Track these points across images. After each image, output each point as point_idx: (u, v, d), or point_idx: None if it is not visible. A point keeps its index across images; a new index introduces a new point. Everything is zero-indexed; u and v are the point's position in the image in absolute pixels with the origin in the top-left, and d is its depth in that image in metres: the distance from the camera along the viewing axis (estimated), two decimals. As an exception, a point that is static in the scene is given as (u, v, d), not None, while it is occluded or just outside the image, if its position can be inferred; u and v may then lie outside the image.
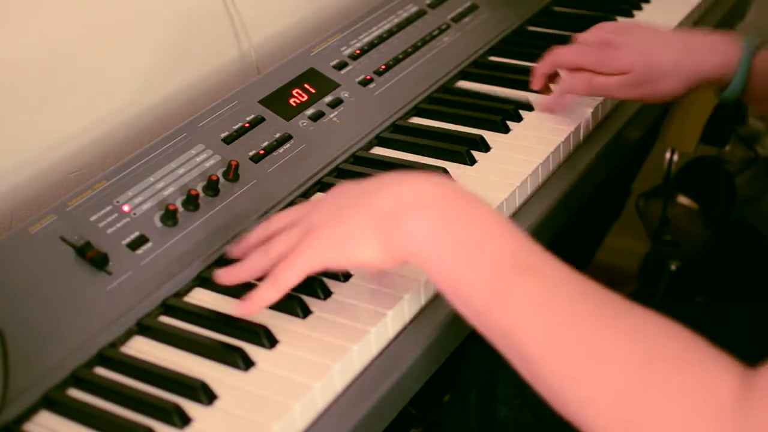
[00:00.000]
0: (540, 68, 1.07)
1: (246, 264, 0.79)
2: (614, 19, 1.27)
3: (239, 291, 0.82)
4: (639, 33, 1.01)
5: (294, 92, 1.05)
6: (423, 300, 0.82)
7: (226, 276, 0.80)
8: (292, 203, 0.93)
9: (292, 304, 0.79)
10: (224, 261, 0.86)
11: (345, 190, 0.77)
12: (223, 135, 0.97)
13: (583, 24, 1.26)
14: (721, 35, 1.01)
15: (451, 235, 0.68)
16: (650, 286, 1.75)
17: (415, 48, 1.17)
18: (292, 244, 0.75)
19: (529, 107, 1.07)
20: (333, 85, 1.07)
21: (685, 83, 0.99)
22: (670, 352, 0.61)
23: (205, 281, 0.84)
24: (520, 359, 0.65)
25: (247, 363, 0.74)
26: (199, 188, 0.90)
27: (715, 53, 0.98)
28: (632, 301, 0.65)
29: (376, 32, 1.17)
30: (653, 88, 0.99)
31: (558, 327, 0.63)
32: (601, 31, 1.04)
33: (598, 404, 0.61)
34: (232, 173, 0.92)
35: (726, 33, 1.01)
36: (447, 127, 1.05)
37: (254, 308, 0.76)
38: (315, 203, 0.79)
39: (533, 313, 0.64)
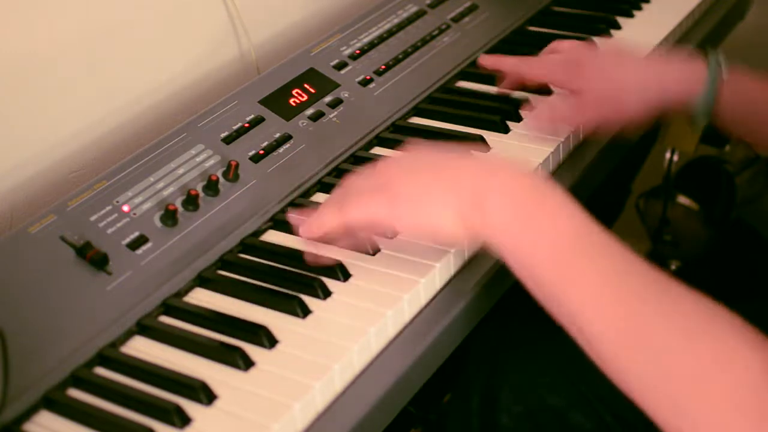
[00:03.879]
0: (502, 64, 1.08)
1: (319, 216, 0.82)
2: (614, 19, 1.27)
3: (240, 291, 0.82)
4: (605, 53, 1.02)
5: (294, 92, 1.05)
6: (423, 301, 0.82)
7: (301, 227, 0.84)
8: (292, 203, 0.93)
9: (292, 304, 0.79)
10: (224, 262, 0.86)
11: (422, 154, 0.81)
12: (223, 135, 0.97)
13: (583, 24, 1.27)
14: (688, 60, 0.99)
15: (525, 216, 0.73)
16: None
17: (415, 48, 1.17)
18: (370, 189, 0.78)
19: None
20: (333, 85, 1.07)
21: (648, 105, 0.97)
22: (707, 333, 0.66)
23: (205, 281, 0.84)
24: (573, 327, 0.70)
25: (247, 363, 0.74)
26: (199, 188, 0.90)
27: (680, 72, 0.97)
28: (679, 281, 0.69)
29: (376, 32, 1.17)
30: (617, 108, 0.98)
31: (611, 304, 0.68)
32: (569, 49, 1.04)
33: (646, 381, 0.66)
34: (232, 173, 0.92)
35: (694, 57, 0.99)
36: (447, 127, 1.05)
37: (314, 228, 0.81)
38: (392, 161, 0.82)
39: (591, 289, 0.69)
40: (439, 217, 0.76)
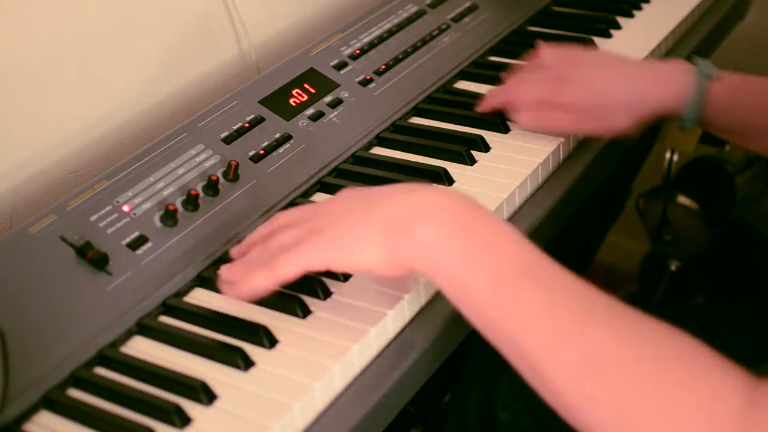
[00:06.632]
0: (491, 101, 1.05)
1: (246, 259, 0.79)
2: (614, 19, 1.27)
3: (239, 291, 0.82)
4: (590, 68, 1.00)
5: (294, 92, 1.05)
6: (423, 300, 0.82)
7: (226, 272, 0.80)
8: (292, 203, 0.93)
9: (292, 304, 0.79)
10: (225, 261, 0.86)
11: (353, 194, 0.78)
12: (223, 135, 0.97)
13: (583, 24, 1.27)
14: (674, 64, 0.99)
15: (459, 243, 0.69)
16: (650, 286, 1.75)
17: (415, 48, 1.17)
18: (295, 241, 0.75)
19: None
20: (333, 85, 1.07)
21: (635, 116, 0.97)
22: (675, 359, 0.62)
23: (205, 281, 0.84)
24: (524, 364, 0.67)
25: (247, 363, 0.74)
26: (199, 188, 0.90)
27: (665, 84, 0.97)
28: (636, 308, 0.65)
29: (376, 32, 1.17)
30: (605, 122, 0.98)
31: (561, 332, 0.65)
32: (554, 65, 1.02)
33: (600, 409, 0.62)
34: (232, 173, 0.92)
35: (680, 62, 0.99)
36: (447, 127, 1.05)
37: (244, 293, 0.76)
38: (321, 204, 0.79)
39: (537, 319, 0.65)
40: (368, 255, 0.72)
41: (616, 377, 0.62)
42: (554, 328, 0.65)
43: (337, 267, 0.75)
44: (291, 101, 1.04)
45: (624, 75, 0.99)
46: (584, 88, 0.98)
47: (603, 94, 0.98)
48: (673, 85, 0.97)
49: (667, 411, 0.60)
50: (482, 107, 1.06)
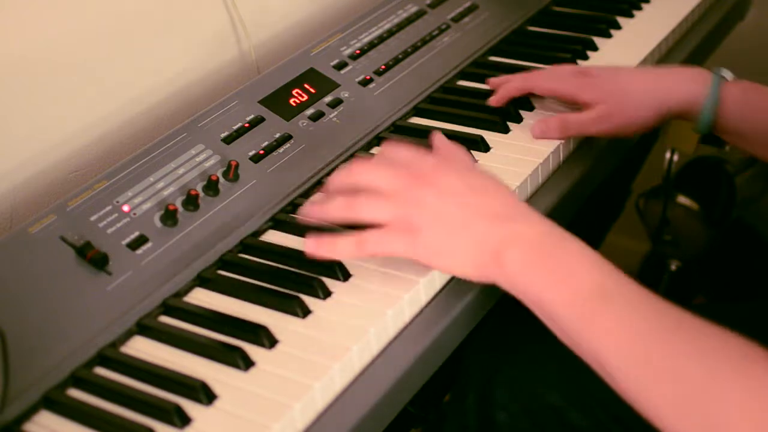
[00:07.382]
0: (509, 91, 1.06)
1: (329, 209, 0.82)
2: (614, 19, 1.27)
3: (240, 291, 0.82)
4: (611, 68, 1.05)
5: (294, 92, 1.05)
6: (423, 300, 0.82)
7: (308, 211, 0.84)
8: (292, 203, 0.93)
9: (293, 304, 0.79)
10: (224, 262, 0.86)
11: (453, 183, 0.80)
12: (223, 135, 0.97)
13: (583, 24, 1.27)
14: (693, 68, 1.03)
15: (540, 270, 0.75)
16: (650, 286, 1.75)
17: (415, 48, 1.17)
18: (386, 217, 0.79)
19: (529, 107, 1.07)
20: (333, 85, 1.07)
21: (655, 113, 1.00)
22: (731, 364, 0.67)
23: (205, 281, 0.84)
24: (605, 373, 0.72)
25: (247, 363, 0.74)
26: (199, 188, 0.90)
27: (684, 84, 1.00)
28: (700, 318, 0.70)
29: (376, 32, 1.17)
30: (626, 118, 1.00)
31: (633, 349, 0.70)
32: (572, 66, 1.07)
33: (676, 410, 0.68)
34: (232, 173, 0.92)
35: (698, 68, 1.03)
36: (447, 127, 1.05)
37: (325, 253, 0.80)
38: (417, 176, 0.81)
39: (612, 337, 0.71)
40: (457, 267, 0.79)
41: (680, 389, 0.67)
42: (627, 345, 0.70)
43: (424, 264, 0.80)
44: (291, 101, 1.04)
45: (645, 74, 1.03)
46: (613, 83, 1.01)
47: (630, 89, 1.00)
48: (691, 85, 1.00)
49: (726, 415, 0.65)
50: (498, 99, 1.06)
